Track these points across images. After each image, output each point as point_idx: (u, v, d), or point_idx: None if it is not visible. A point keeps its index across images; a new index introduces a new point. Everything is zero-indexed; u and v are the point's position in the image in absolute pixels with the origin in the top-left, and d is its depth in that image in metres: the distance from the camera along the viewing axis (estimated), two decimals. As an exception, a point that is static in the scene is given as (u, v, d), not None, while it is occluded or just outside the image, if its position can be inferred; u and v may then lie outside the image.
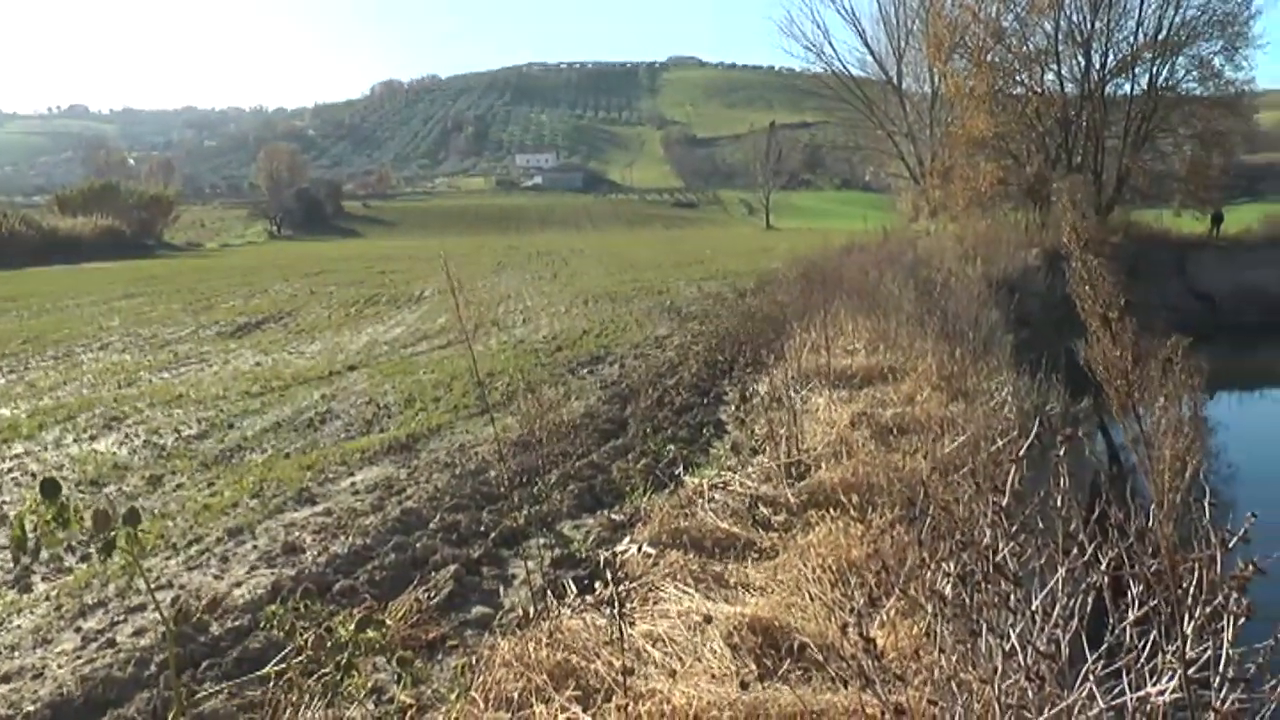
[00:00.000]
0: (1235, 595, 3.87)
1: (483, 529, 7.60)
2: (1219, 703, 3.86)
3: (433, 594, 6.25)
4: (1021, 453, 5.21)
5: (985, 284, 19.46)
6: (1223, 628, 3.85)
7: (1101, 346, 11.63)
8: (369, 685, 4.76)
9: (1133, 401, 10.83)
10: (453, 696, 4.75)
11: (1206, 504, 4.72)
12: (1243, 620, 3.95)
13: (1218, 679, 3.86)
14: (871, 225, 36.64)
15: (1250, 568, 3.91)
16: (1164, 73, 40.77)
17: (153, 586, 6.03)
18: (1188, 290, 38.10)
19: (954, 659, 4.12)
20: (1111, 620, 4.33)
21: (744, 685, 4.09)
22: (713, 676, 4.65)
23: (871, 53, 52.98)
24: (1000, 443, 9.08)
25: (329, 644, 3.76)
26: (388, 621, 5.44)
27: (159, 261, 57.55)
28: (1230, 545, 3.97)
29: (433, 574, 6.62)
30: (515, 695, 4.54)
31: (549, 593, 6.02)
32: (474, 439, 10.84)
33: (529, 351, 17.21)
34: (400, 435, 11.15)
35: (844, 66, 54.27)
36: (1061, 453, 7.23)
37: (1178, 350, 11.90)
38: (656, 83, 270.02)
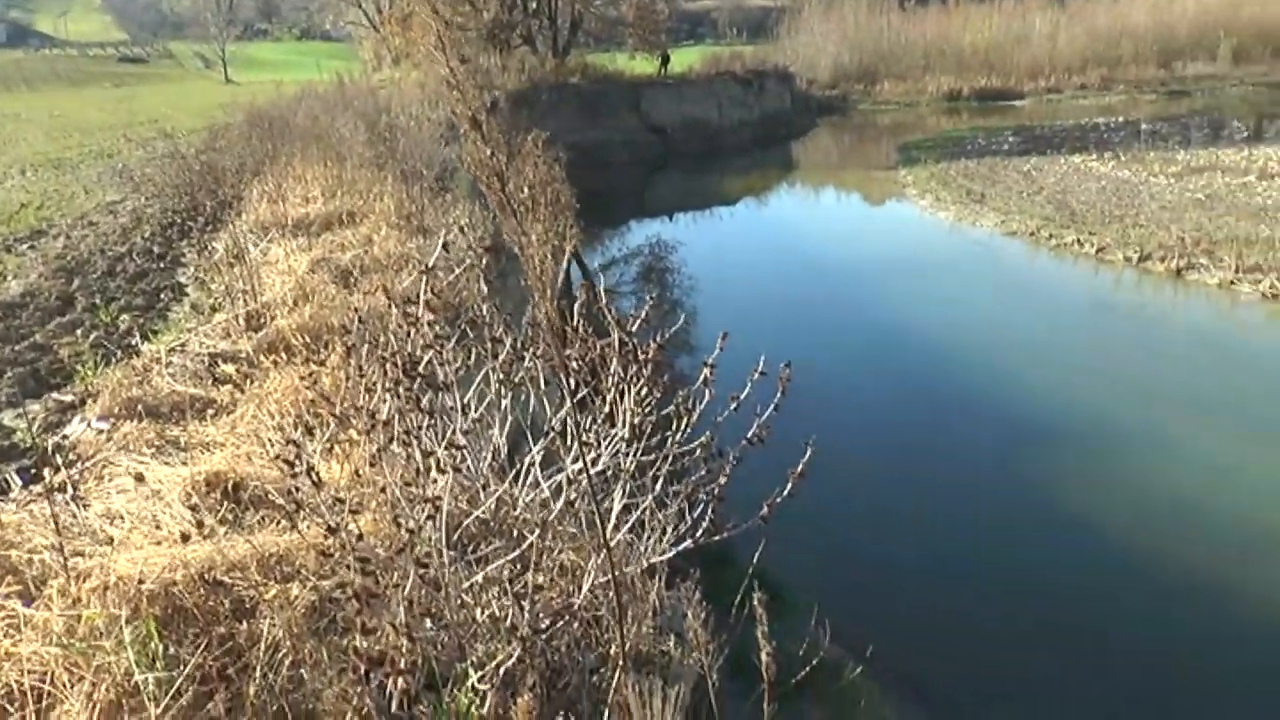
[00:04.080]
0: (638, 371, 4.33)
1: (-95, 436, 6.48)
2: (629, 463, 4.38)
3: None
4: (430, 269, 5.35)
5: (448, 126, 19.49)
6: (632, 403, 4.32)
7: (474, 147, 11.93)
8: None
9: (507, 196, 11.21)
10: None
11: (602, 291, 5.20)
12: (655, 393, 4.44)
13: (637, 446, 4.36)
14: (328, 75, 34.87)
15: (655, 349, 4.39)
16: (607, -78, 42.50)
17: None
18: (643, 125, 41.19)
19: (397, 472, 4.20)
20: (549, 409, 4.68)
21: (184, 539, 3.92)
22: (174, 541, 4.41)
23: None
24: (457, 271, 9.35)
25: None
26: None
27: None
28: (632, 329, 4.40)
29: None
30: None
31: (-12, 491, 5.31)
32: (-109, 338, 9.10)
33: (-45, 233, 14.62)
34: None
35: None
36: (483, 265, 7.58)
37: (538, 143, 12.62)
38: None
